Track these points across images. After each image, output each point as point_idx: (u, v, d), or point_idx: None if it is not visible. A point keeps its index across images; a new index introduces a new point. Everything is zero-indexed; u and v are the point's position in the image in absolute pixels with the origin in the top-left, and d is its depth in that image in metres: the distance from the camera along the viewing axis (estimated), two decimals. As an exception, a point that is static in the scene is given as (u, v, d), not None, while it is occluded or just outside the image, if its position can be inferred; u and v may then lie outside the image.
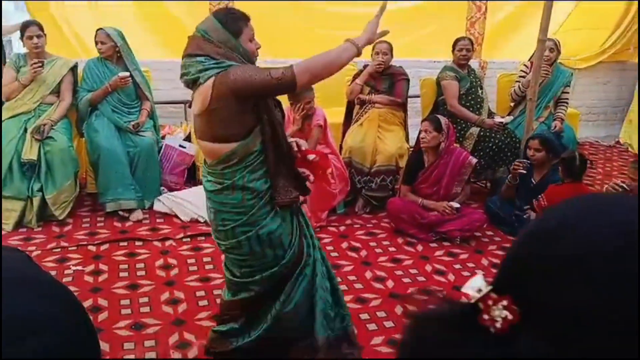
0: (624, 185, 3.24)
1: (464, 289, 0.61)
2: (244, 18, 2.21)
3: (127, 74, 4.15)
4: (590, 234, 0.55)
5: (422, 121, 3.97)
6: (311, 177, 2.40)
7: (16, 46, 5.17)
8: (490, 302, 0.57)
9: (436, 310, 0.63)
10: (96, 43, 4.22)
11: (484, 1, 6.05)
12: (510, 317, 0.55)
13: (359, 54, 2.16)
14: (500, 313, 0.56)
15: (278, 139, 2.21)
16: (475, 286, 0.59)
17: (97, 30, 4.22)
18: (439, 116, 4.01)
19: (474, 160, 3.98)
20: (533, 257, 0.58)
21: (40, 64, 3.98)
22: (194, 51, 2.13)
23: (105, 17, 4.64)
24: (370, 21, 2.24)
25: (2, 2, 4.31)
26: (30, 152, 3.91)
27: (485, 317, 0.57)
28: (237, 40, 2.15)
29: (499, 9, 6.23)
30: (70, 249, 3.62)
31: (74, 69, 4.22)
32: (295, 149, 2.35)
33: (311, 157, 2.42)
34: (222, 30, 2.14)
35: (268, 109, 2.18)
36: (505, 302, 0.57)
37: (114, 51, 4.23)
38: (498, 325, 0.56)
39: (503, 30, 6.34)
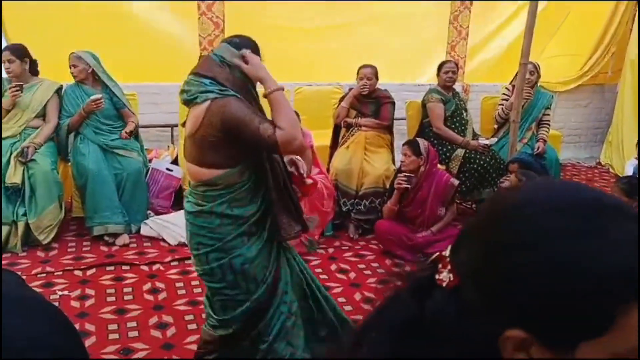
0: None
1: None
2: (256, 48, 2.24)
3: (99, 96, 4.09)
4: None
5: (403, 144, 4.00)
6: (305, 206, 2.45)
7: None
8: (440, 266, 0.71)
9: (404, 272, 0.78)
10: (70, 67, 4.19)
11: (464, 26, 6.20)
12: (452, 278, 0.69)
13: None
14: (447, 275, 0.69)
15: (277, 175, 2.20)
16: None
17: (70, 54, 4.20)
18: (419, 140, 4.04)
19: (456, 182, 4.02)
20: (471, 229, 0.72)
21: (17, 88, 3.95)
22: (203, 72, 2.13)
23: (90, 40, 4.62)
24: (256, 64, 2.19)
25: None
26: (14, 176, 3.87)
27: (437, 277, 0.70)
28: None
29: (478, 32, 6.36)
30: (56, 273, 3.57)
31: (59, 92, 4.20)
32: (294, 171, 2.34)
33: (309, 181, 2.41)
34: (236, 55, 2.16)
35: None
36: (449, 267, 0.70)
37: (87, 73, 4.22)
38: (444, 285, 0.69)
39: (482, 53, 6.49)
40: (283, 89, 2.15)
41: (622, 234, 0.61)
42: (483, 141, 4.71)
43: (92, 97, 4.07)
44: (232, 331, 2.29)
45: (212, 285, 2.26)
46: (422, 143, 3.97)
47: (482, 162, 4.58)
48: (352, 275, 3.74)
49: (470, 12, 6.16)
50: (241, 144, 2.08)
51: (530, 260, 0.61)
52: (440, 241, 3.93)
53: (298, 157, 2.35)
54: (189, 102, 2.14)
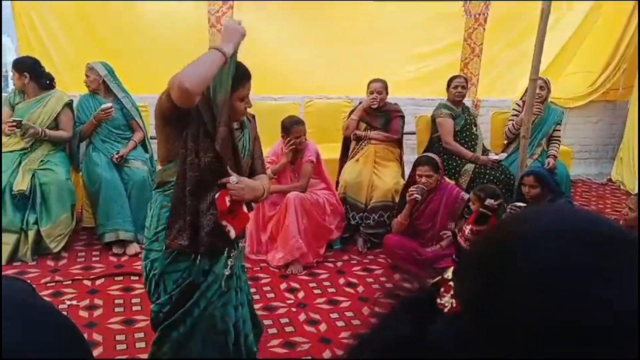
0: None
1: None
2: (246, 76, 2.18)
3: (109, 105, 4.16)
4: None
5: (417, 164, 3.94)
6: (232, 233, 2.16)
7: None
8: (443, 290, 0.69)
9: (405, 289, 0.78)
10: (85, 77, 4.28)
11: (477, 43, 6.20)
12: (454, 304, 0.67)
13: (226, 56, 2.01)
14: (449, 301, 0.67)
15: (184, 179, 2.08)
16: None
17: (86, 65, 4.29)
18: (432, 156, 4.03)
19: (466, 196, 4.00)
20: (476, 256, 0.69)
21: (14, 124, 3.89)
22: None
23: (107, 53, 4.68)
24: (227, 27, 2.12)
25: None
26: (21, 184, 3.89)
27: (439, 301, 0.69)
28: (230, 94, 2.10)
29: (491, 48, 6.37)
30: (65, 283, 3.59)
31: (70, 105, 4.20)
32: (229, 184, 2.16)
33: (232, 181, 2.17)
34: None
35: (197, 146, 2.07)
36: (452, 292, 0.68)
37: (99, 84, 4.28)
38: (446, 310, 0.67)
39: (494, 69, 6.49)
40: (223, 53, 1.99)
41: (638, 277, 0.57)
42: (493, 156, 4.70)
43: (102, 107, 4.14)
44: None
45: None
46: (437, 158, 3.98)
47: (491, 178, 4.56)
48: (361, 289, 3.73)
49: (484, 29, 6.17)
50: (180, 135, 2.08)
51: (536, 297, 0.59)
52: (449, 256, 3.91)
53: (239, 181, 2.16)
54: None
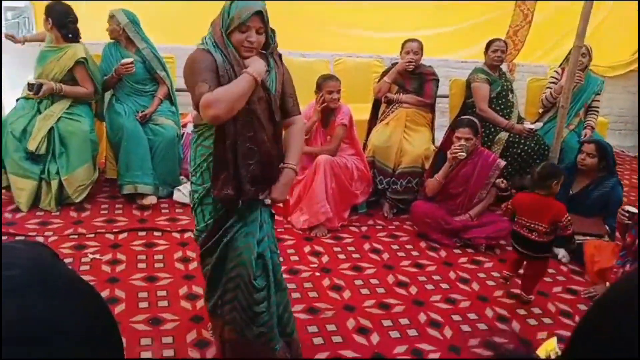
0: (630, 209, 3.17)
1: (538, 352, 0.66)
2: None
3: (129, 60, 4.04)
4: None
5: (456, 126, 3.80)
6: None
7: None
8: None
9: None
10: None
11: (532, 8, 5.84)
12: None
13: (259, 79, 2.10)
14: None
15: (239, 133, 2.16)
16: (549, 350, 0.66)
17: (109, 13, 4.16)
18: (472, 118, 3.88)
19: (503, 163, 3.87)
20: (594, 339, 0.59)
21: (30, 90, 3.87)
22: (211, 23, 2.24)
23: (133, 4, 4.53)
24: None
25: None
26: (33, 141, 3.81)
27: None
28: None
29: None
30: (88, 236, 3.56)
31: (83, 62, 3.97)
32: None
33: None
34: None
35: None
36: None
37: (119, 33, 4.15)
38: None
39: (537, 35, 6.18)
40: (253, 77, 2.07)
41: None
42: (528, 125, 4.53)
43: (122, 61, 4.02)
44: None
45: None
46: (477, 122, 3.85)
47: (525, 147, 4.40)
48: (386, 256, 3.65)
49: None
50: (189, 90, 2.17)
51: None
52: (477, 227, 3.81)
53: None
54: None
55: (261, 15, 2.12)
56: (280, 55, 2.32)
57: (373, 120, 4.59)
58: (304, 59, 5.40)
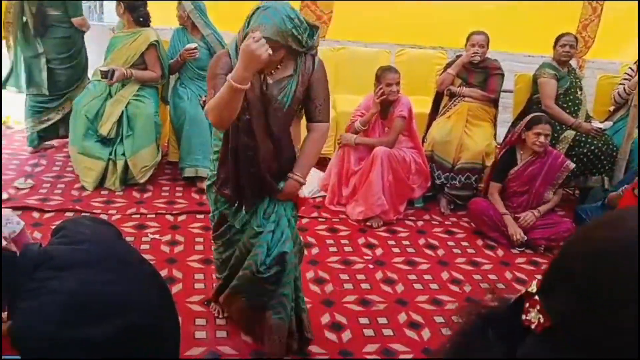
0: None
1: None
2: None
3: (194, 45, 4.13)
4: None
5: (534, 122, 3.66)
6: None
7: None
8: (528, 305, 0.67)
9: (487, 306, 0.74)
10: None
11: (601, 1, 5.55)
12: (542, 320, 0.65)
13: (239, 87, 1.91)
14: (536, 316, 0.66)
15: (240, 140, 2.19)
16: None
17: None
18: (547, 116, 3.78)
19: (572, 165, 3.73)
20: (565, 270, 0.67)
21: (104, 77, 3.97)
22: None
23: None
24: (243, 46, 1.89)
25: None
26: (105, 126, 3.96)
27: (524, 317, 0.67)
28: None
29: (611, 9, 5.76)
30: (149, 216, 3.67)
31: (155, 45, 4.10)
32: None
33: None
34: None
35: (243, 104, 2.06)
36: (538, 307, 0.66)
37: (185, 20, 4.26)
38: (533, 327, 0.65)
39: (611, 31, 5.89)
40: (235, 88, 1.91)
41: None
42: (597, 124, 4.34)
43: (187, 47, 4.12)
44: None
45: None
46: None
47: (592, 147, 4.22)
48: (441, 252, 3.60)
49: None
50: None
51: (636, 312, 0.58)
52: (538, 228, 3.69)
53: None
54: None
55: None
56: (314, 56, 2.22)
57: (434, 113, 4.50)
58: (365, 49, 5.36)
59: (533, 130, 3.63)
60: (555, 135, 4.31)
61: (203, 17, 4.27)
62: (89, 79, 4.46)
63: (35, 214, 3.55)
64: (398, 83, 3.84)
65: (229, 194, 2.29)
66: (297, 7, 5.05)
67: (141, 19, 4.09)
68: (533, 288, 0.69)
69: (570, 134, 4.30)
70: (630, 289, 0.58)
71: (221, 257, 2.55)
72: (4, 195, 3.71)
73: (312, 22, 2.20)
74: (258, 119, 2.17)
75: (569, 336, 0.63)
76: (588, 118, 4.50)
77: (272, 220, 2.32)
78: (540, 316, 0.65)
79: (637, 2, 4.89)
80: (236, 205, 2.34)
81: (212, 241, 2.58)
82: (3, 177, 3.91)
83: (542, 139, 3.60)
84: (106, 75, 3.93)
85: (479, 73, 4.30)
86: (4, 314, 1.60)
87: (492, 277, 3.36)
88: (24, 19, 4.29)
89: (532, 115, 3.84)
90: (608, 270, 0.61)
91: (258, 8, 2.03)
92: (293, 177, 2.29)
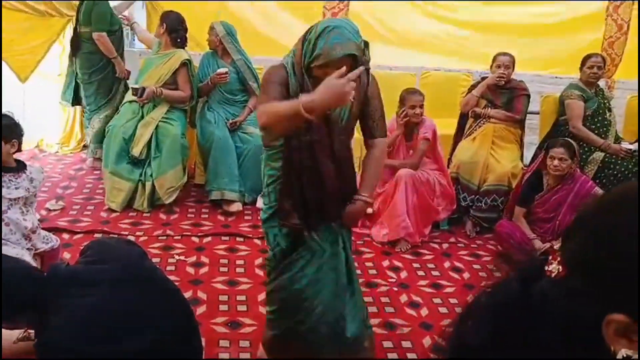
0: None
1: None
2: None
3: (225, 70, 4.22)
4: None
5: (552, 145, 3.61)
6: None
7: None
8: (550, 258, 0.96)
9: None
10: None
11: (626, 19, 5.48)
12: (561, 270, 0.72)
13: (308, 117, 1.83)
14: (556, 267, 0.91)
15: (294, 162, 2.10)
16: None
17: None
18: (570, 141, 3.70)
19: (600, 192, 3.64)
20: (583, 217, 0.74)
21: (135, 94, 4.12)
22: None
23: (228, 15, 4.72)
24: (331, 80, 1.82)
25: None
26: (136, 147, 4.05)
27: (547, 268, 0.78)
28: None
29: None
30: (175, 237, 3.71)
31: (186, 64, 4.23)
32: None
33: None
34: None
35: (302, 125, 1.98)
36: (559, 259, 0.79)
37: (216, 44, 4.36)
38: (553, 276, 0.73)
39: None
40: (302, 114, 1.82)
41: None
42: (627, 145, 4.27)
43: (218, 71, 4.21)
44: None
45: None
46: (575, 145, 3.66)
47: (622, 169, 4.15)
48: (467, 275, 3.56)
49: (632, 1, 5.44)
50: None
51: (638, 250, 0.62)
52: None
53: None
54: None
55: (354, 57, 1.95)
56: (368, 70, 2.16)
57: (459, 135, 4.49)
58: (390, 72, 5.39)
59: (549, 153, 3.59)
60: (584, 156, 4.26)
61: (235, 42, 4.37)
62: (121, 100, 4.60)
63: (66, 235, 3.62)
64: (421, 106, 3.85)
65: (298, 224, 2.16)
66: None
67: (179, 40, 4.25)
68: (557, 245, 0.80)
69: (599, 155, 4.23)
70: (632, 238, 0.63)
71: (284, 295, 2.30)
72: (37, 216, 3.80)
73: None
74: (321, 141, 2.11)
75: (582, 282, 0.67)
76: (618, 139, 4.43)
77: (338, 245, 2.27)
78: (560, 267, 0.74)
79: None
80: (302, 234, 2.21)
81: (271, 279, 2.33)
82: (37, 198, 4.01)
83: (555, 162, 3.53)
84: (137, 92, 4.04)
85: (504, 94, 4.29)
86: (31, 331, 1.64)
87: (520, 301, 3.30)
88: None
89: (547, 138, 3.80)
90: (623, 214, 0.65)
91: (323, 29, 1.96)
92: (360, 198, 2.20)
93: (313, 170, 2.11)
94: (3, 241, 2.59)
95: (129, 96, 4.25)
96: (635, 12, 5.41)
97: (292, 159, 2.10)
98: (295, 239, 2.22)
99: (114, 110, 4.58)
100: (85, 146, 5.09)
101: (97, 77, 4.64)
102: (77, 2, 4.62)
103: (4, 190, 2.61)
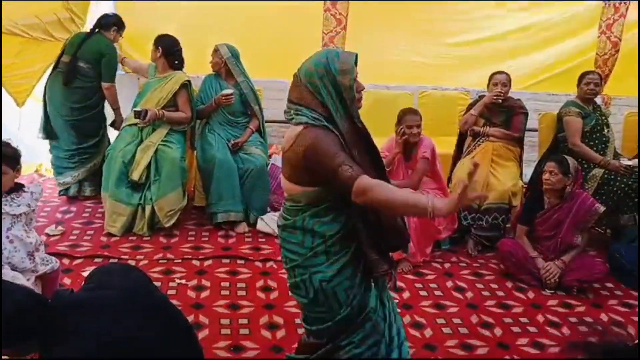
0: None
1: None
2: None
3: (230, 91, 4.24)
4: None
5: (546, 160, 3.66)
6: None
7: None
8: None
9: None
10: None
11: (619, 36, 5.57)
12: None
13: (431, 217, 1.83)
14: None
15: (366, 212, 2.02)
16: None
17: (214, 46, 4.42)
18: (567, 158, 3.71)
19: (602, 208, 3.63)
20: None
21: (138, 117, 4.08)
22: (295, 99, 2.04)
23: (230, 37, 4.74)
24: (455, 197, 1.84)
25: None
26: (136, 172, 4.03)
27: None
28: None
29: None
30: (175, 261, 3.69)
31: (186, 86, 4.24)
32: None
33: None
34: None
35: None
36: None
37: (221, 66, 4.38)
38: None
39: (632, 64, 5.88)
40: (427, 209, 1.80)
41: None
42: (625, 161, 4.28)
43: (223, 92, 4.22)
44: (324, 341, 2.20)
45: (299, 299, 2.20)
46: (572, 162, 3.67)
47: (622, 185, 4.15)
48: (469, 295, 3.53)
49: (624, 18, 5.54)
50: (322, 174, 1.95)
51: None
52: (571, 269, 3.60)
53: None
54: (289, 120, 2.07)
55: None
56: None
57: (458, 154, 4.50)
58: (387, 91, 5.42)
59: (544, 169, 3.61)
60: (584, 173, 4.26)
61: (238, 64, 4.40)
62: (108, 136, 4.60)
63: (66, 260, 3.60)
64: (419, 125, 3.86)
65: (388, 270, 2.10)
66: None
67: (176, 62, 4.26)
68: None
69: (598, 172, 4.24)
70: None
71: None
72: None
73: None
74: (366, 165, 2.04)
75: None
76: (616, 155, 4.44)
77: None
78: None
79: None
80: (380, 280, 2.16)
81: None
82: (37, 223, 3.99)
83: (546, 175, 3.56)
84: (139, 115, 4.04)
85: (502, 112, 4.31)
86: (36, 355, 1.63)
87: (524, 320, 3.27)
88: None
89: (545, 155, 3.81)
90: None
91: (320, 56, 2.01)
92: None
93: (374, 216, 2.05)
94: (4, 263, 2.58)
95: (129, 119, 4.25)
96: (626, 29, 5.51)
97: (365, 210, 2.02)
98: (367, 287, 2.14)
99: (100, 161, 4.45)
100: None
101: (86, 114, 4.50)
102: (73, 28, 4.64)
103: (7, 208, 2.60)
